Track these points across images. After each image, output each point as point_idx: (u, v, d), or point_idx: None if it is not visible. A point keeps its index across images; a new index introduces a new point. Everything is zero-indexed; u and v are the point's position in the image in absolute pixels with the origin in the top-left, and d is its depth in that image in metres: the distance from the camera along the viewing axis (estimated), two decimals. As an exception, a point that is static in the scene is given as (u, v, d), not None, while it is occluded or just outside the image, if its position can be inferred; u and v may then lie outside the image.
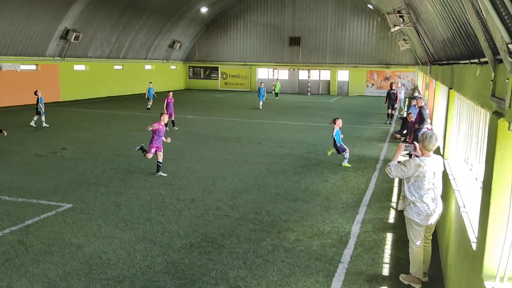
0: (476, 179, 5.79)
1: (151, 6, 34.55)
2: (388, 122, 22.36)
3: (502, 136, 3.51)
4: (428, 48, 16.51)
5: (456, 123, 8.51)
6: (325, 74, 43.67)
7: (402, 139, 16.90)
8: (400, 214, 8.39)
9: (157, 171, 11.27)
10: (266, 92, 30.88)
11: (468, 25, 6.18)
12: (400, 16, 20.03)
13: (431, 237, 6.05)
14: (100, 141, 15.93)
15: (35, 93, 18.92)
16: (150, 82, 28.09)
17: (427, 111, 13.96)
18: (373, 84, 42.07)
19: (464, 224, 4.87)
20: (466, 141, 7.08)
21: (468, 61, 6.52)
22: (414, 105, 16.66)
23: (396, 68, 41.00)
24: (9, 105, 26.73)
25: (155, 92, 27.26)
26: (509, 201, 3.50)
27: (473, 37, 5.92)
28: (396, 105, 22.89)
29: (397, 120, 22.51)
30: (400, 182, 10.52)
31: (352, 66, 42.17)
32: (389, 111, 22.48)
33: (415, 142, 6.27)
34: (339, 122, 12.58)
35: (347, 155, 12.63)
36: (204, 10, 39.94)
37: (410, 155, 11.20)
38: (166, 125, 11.81)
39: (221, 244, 7.10)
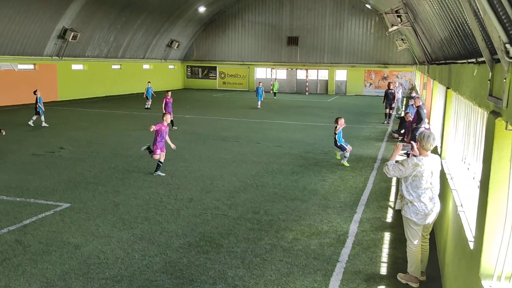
0: (473, 178, 5.80)
1: (149, 6, 34.51)
2: (385, 121, 22.39)
3: (500, 135, 3.53)
4: (425, 47, 16.53)
5: (454, 122, 8.52)
6: (323, 74, 43.69)
7: (399, 139, 16.93)
8: (398, 214, 8.42)
9: (156, 170, 11.26)
10: (264, 91, 30.89)
11: (465, 24, 6.19)
12: (398, 16, 20.04)
13: (428, 236, 6.06)
14: (98, 141, 15.91)
15: (35, 92, 18.88)
16: (149, 82, 28.09)
17: (425, 111, 13.99)
18: (371, 84, 42.12)
19: (461, 223, 4.88)
20: (464, 141, 7.09)
21: (465, 61, 6.53)
22: (412, 105, 16.68)
23: (394, 67, 41.07)
24: (7, 104, 26.69)
25: (154, 92, 27.25)
26: (506, 200, 3.51)
27: (471, 36, 5.93)
28: (393, 105, 22.92)
29: (395, 120, 22.55)
30: (398, 181, 10.54)
31: (350, 66, 42.21)
32: (387, 110, 22.52)
33: (412, 142, 6.28)
34: (342, 122, 12.65)
35: (347, 154, 12.71)
36: (202, 9, 39.92)
37: (407, 154, 11.24)
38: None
39: (219, 243, 7.11)
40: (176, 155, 13.44)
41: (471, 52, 6.27)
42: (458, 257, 4.81)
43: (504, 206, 3.52)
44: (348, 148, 12.74)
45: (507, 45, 3.19)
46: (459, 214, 5.12)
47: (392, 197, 9.88)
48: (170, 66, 45.26)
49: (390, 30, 24.45)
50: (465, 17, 5.88)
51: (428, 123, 14.66)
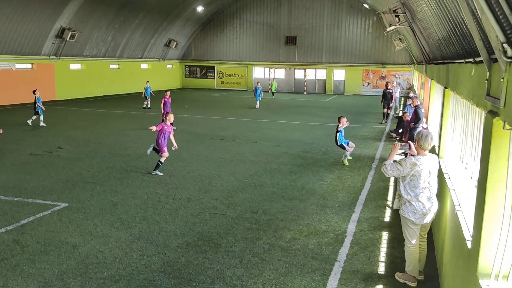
0: (471, 177, 5.82)
1: (147, 5, 34.47)
2: (383, 121, 22.42)
3: (497, 135, 3.53)
4: (423, 47, 16.55)
5: (452, 122, 8.54)
6: (321, 73, 43.70)
7: (397, 138, 16.95)
8: (395, 213, 8.43)
9: (154, 169, 11.25)
10: (263, 91, 30.88)
11: (463, 24, 6.20)
12: (396, 16, 20.09)
13: (426, 236, 6.07)
14: (96, 140, 15.89)
15: (34, 92, 18.83)
16: (148, 81, 28.04)
17: (423, 110, 14.02)
18: (369, 83, 42.15)
19: (459, 223, 4.89)
20: (461, 140, 7.10)
21: (463, 61, 6.54)
22: (410, 104, 16.71)
23: (391, 67, 41.10)
24: (5, 104, 26.63)
25: (152, 91, 27.21)
26: (503, 199, 3.52)
27: (468, 36, 5.94)
28: (391, 104, 22.95)
29: (393, 119, 22.58)
30: (396, 181, 10.56)
31: (348, 65, 42.23)
32: (385, 110, 22.55)
33: (410, 141, 6.29)
34: (344, 121, 12.70)
35: (348, 153, 12.76)
36: (200, 9, 39.90)
37: (405, 154, 11.25)
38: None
39: (218, 243, 7.11)
40: (174, 155, 13.42)
41: (468, 51, 6.28)
42: (456, 256, 4.82)
43: (502, 205, 3.53)
44: (351, 145, 12.81)
45: (505, 45, 3.20)
46: (456, 214, 5.13)
47: (390, 197, 9.90)
48: (168, 66, 45.22)
49: (388, 29, 24.50)
50: (462, 16, 5.89)
51: (426, 122, 14.69)
